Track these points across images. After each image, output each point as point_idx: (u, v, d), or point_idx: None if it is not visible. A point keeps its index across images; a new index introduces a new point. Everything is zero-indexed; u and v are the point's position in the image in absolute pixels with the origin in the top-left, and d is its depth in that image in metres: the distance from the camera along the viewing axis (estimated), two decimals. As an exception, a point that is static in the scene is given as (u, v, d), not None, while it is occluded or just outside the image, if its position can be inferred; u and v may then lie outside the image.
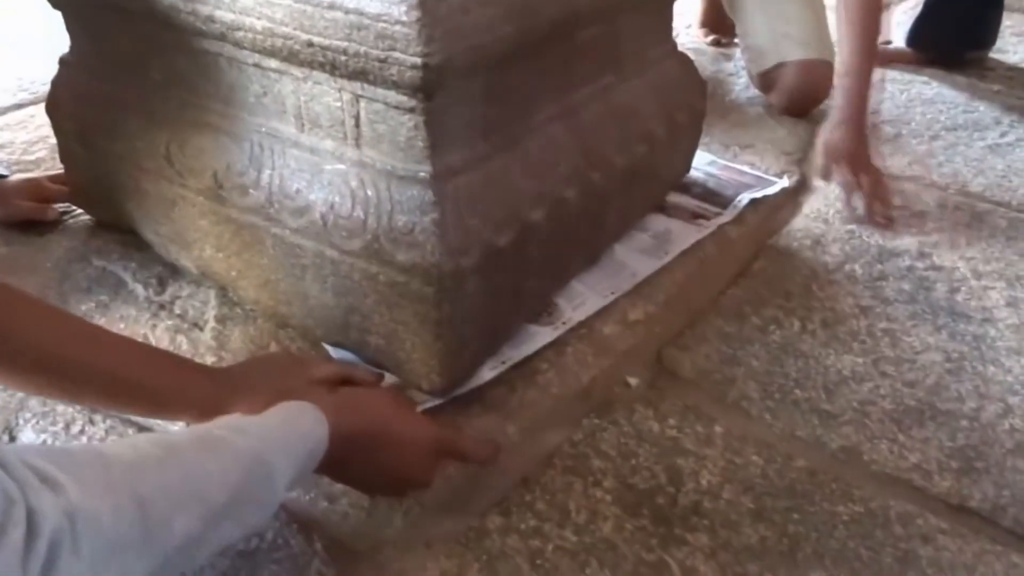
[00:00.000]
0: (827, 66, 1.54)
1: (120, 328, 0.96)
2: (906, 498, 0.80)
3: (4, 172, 1.20)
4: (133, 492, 0.48)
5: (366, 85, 0.74)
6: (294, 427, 0.63)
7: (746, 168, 1.33)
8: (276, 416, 0.64)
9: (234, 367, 0.85)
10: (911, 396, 0.92)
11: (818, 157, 1.33)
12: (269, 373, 0.82)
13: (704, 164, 1.31)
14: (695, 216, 1.19)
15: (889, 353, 0.98)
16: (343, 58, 0.72)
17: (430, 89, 0.71)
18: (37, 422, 0.84)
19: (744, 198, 1.22)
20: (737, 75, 1.75)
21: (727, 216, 1.18)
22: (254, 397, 0.76)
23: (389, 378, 0.86)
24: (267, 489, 0.58)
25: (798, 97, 1.54)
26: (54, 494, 0.44)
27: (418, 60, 0.69)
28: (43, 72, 1.08)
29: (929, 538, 0.76)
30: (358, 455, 0.67)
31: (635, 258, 1.08)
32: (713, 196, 1.23)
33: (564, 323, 0.96)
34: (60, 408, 0.86)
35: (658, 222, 1.16)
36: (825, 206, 1.28)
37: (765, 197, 1.23)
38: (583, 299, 1.00)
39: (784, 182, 1.28)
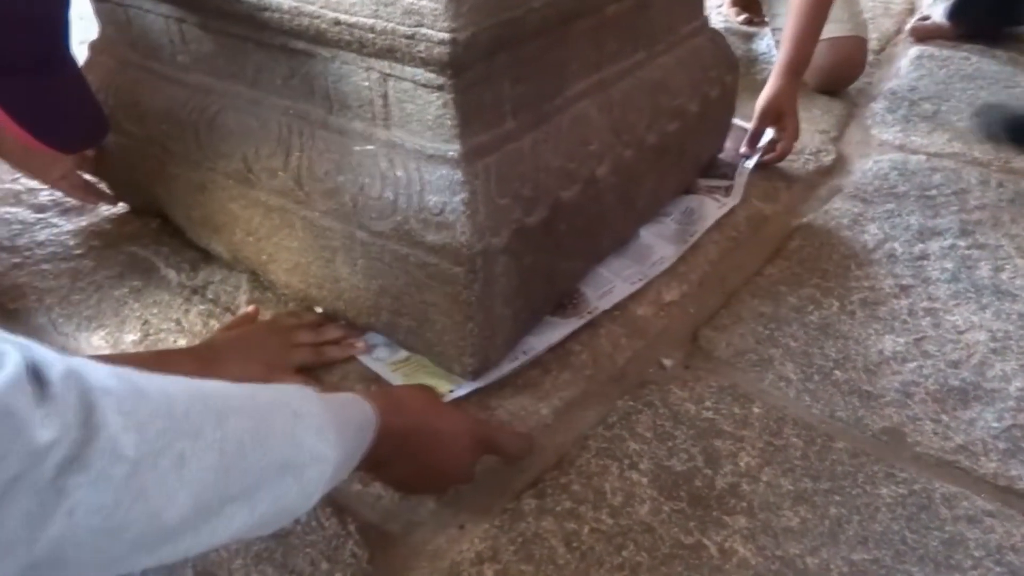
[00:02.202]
0: (860, 42, 1.52)
1: (153, 313, 0.97)
2: (951, 480, 0.78)
3: None
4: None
5: (394, 64, 0.73)
6: (347, 416, 0.61)
7: (745, 124, 1.31)
8: (332, 403, 0.61)
9: (214, 338, 0.86)
10: (955, 376, 0.90)
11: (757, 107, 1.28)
12: (250, 341, 0.84)
13: None
14: (711, 191, 1.18)
15: (931, 333, 0.96)
16: (371, 36, 0.71)
17: (458, 65, 0.70)
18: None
19: (748, 165, 1.24)
20: (769, 54, 1.72)
21: (737, 189, 1.19)
22: (242, 366, 0.77)
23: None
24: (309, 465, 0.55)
25: (831, 74, 1.51)
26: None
27: (446, 35, 0.67)
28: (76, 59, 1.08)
29: (976, 520, 0.74)
30: (402, 451, 0.66)
31: (661, 243, 1.07)
32: (713, 167, 1.24)
33: (590, 312, 0.95)
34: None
35: (680, 202, 1.15)
36: (863, 184, 1.25)
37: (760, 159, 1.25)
38: (610, 286, 0.99)
39: (770, 132, 1.27)
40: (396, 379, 0.86)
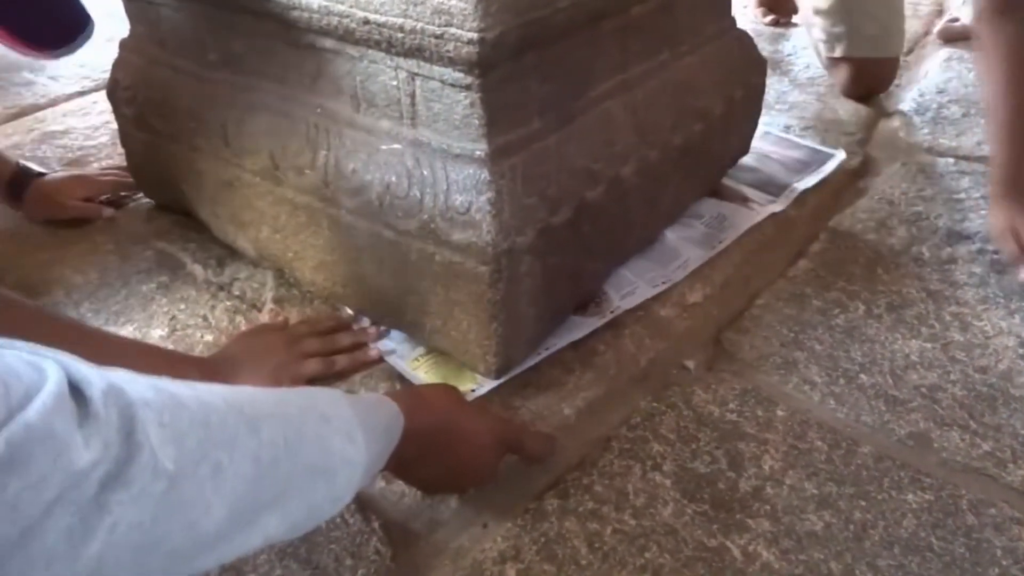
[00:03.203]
0: (894, 62, 1.53)
1: (180, 309, 0.98)
2: (978, 487, 0.77)
3: (41, 171, 1.17)
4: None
5: (422, 63, 0.74)
6: (375, 418, 0.61)
7: (799, 140, 1.30)
8: (359, 405, 0.61)
9: (223, 352, 0.85)
10: (983, 382, 0.89)
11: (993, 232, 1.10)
12: (257, 352, 0.84)
13: (756, 137, 1.28)
14: (746, 201, 1.16)
15: (959, 338, 0.95)
16: (399, 35, 0.72)
17: (486, 65, 0.70)
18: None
19: (798, 187, 1.19)
20: (796, 55, 1.71)
21: (779, 205, 1.15)
22: (249, 379, 0.77)
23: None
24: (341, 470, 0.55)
25: (862, 89, 1.51)
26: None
27: (474, 35, 0.68)
28: (105, 59, 1.10)
29: (1003, 528, 0.73)
30: (428, 451, 0.66)
31: (688, 246, 1.06)
32: (766, 184, 1.20)
33: (612, 312, 0.95)
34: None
35: (711, 207, 1.14)
36: (890, 187, 1.24)
37: (822, 181, 1.20)
38: (632, 288, 0.99)
39: (840, 155, 1.25)
40: (419, 377, 0.86)
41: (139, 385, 0.42)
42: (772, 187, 1.20)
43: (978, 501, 0.75)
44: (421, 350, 0.89)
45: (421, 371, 0.87)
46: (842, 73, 1.51)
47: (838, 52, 1.49)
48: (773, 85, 1.53)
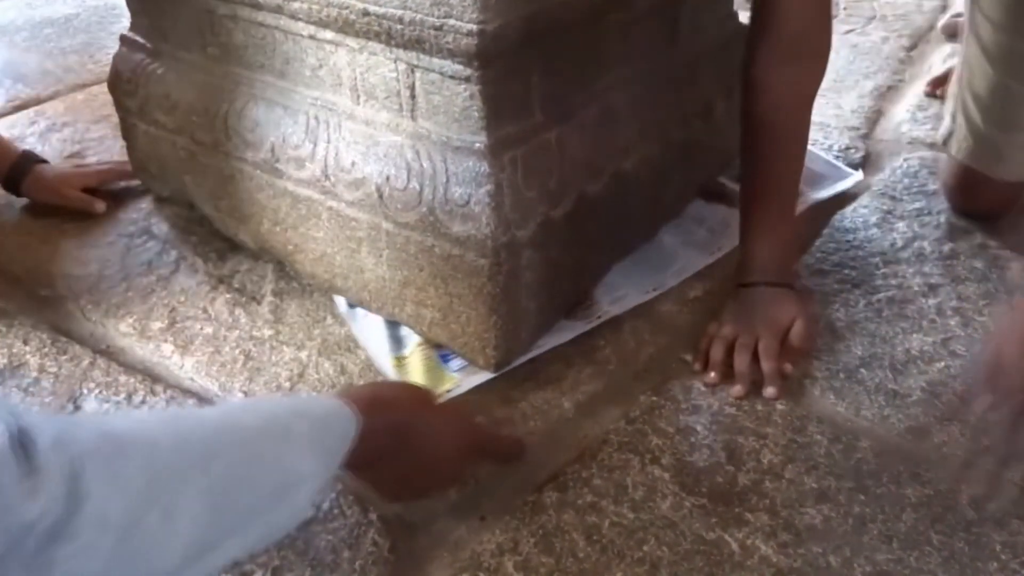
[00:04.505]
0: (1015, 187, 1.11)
1: (180, 302, 0.98)
2: (978, 482, 0.77)
3: (43, 159, 1.18)
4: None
5: (422, 55, 0.74)
6: (329, 426, 0.60)
7: (820, 152, 1.27)
8: (314, 414, 0.61)
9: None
10: (983, 377, 0.88)
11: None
12: None
13: None
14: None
15: (960, 333, 0.94)
16: (399, 27, 0.72)
17: (486, 57, 0.70)
18: (100, 392, 0.86)
19: (809, 199, 1.16)
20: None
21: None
22: None
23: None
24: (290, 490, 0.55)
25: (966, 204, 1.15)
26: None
27: (474, 27, 0.67)
28: (107, 51, 1.10)
29: (1003, 524, 0.73)
30: (385, 451, 0.65)
31: (686, 252, 1.05)
32: None
33: (599, 317, 0.93)
34: (122, 379, 0.87)
35: (715, 212, 1.12)
36: (893, 182, 1.24)
37: (834, 195, 1.17)
38: (622, 293, 0.97)
39: (858, 175, 1.21)
40: (397, 375, 0.86)
41: (87, 432, 0.43)
42: None
43: (978, 496, 0.75)
44: (408, 349, 0.89)
45: (401, 369, 0.87)
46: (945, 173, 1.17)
47: (952, 151, 1.13)
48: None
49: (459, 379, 0.85)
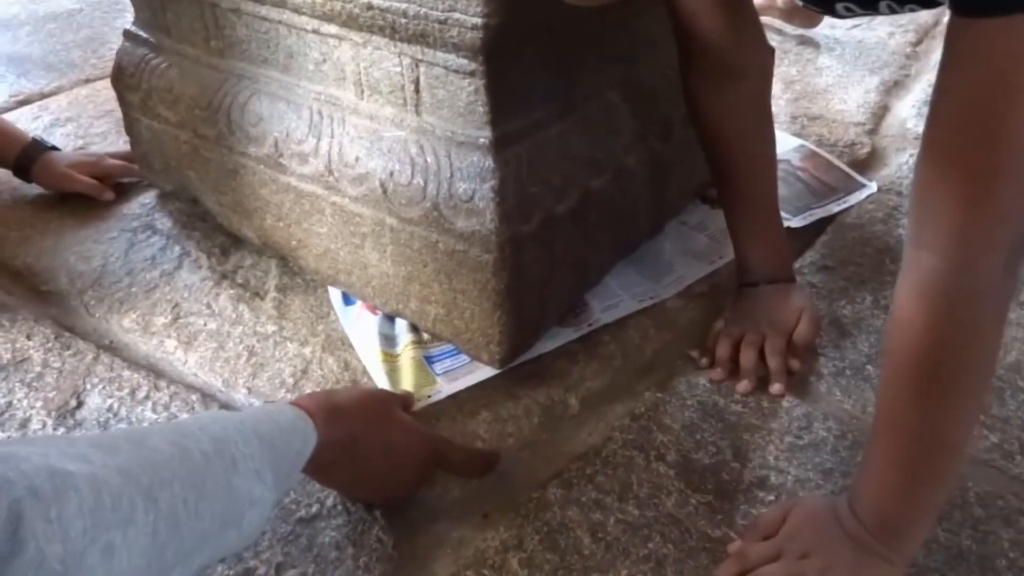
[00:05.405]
0: None
1: (184, 297, 0.97)
2: (985, 479, 0.77)
3: (54, 146, 1.20)
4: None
5: (426, 49, 0.73)
6: (284, 444, 0.61)
7: (835, 160, 1.24)
8: (268, 432, 0.60)
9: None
10: (990, 374, 0.88)
11: None
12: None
13: (790, 149, 1.24)
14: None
15: (967, 329, 0.94)
16: (403, 20, 0.71)
17: (490, 51, 0.70)
18: (104, 387, 0.85)
19: (819, 212, 1.13)
20: (805, 44, 1.70)
21: (795, 223, 1.10)
22: None
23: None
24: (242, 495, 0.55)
25: None
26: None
27: (478, 20, 0.67)
28: (111, 46, 1.09)
29: (1011, 521, 0.72)
30: (341, 459, 0.66)
31: (684, 261, 1.03)
32: (786, 202, 1.09)
33: (590, 324, 0.92)
34: (126, 374, 0.87)
35: (719, 219, 1.10)
36: (898, 177, 1.23)
37: (847, 208, 1.15)
38: (617, 301, 0.96)
39: (872, 187, 1.19)
40: (380, 375, 0.85)
41: (34, 467, 0.43)
42: (791, 206, 1.13)
43: (985, 493, 0.75)
44: (400, 348, 0.89)
45: (389, 368, 0.86)
46: None
47: None
48: (779, 75, 1.52)
49: (441, 384, 0.85)
